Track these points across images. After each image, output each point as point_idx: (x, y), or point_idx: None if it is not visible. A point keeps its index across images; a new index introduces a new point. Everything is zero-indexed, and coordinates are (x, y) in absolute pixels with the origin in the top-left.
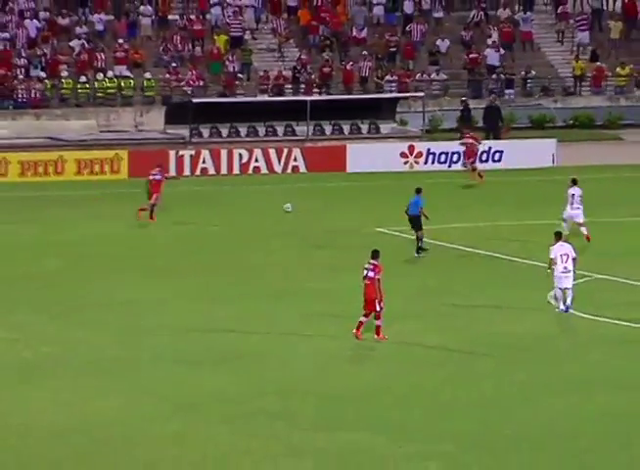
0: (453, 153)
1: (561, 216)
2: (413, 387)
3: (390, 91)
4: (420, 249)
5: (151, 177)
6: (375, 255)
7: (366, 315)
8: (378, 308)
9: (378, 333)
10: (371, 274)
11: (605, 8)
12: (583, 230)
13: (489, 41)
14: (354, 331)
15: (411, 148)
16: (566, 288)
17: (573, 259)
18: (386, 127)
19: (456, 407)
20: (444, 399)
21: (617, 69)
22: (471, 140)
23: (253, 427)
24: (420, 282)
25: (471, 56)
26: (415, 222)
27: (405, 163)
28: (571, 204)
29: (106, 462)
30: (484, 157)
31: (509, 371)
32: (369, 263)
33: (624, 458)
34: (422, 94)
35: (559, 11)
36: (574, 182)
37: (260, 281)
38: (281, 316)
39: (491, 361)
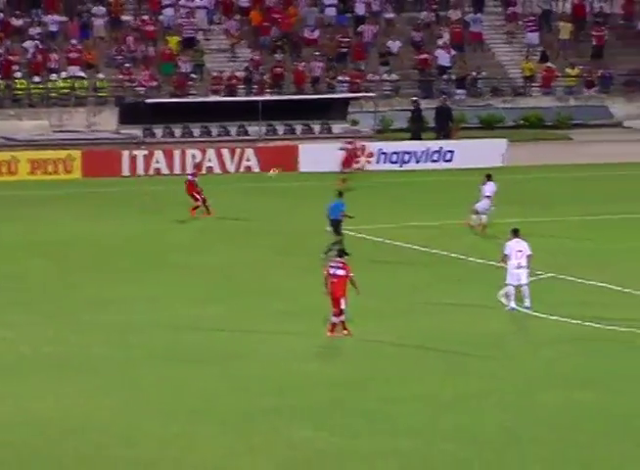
0: (405, 152)
1: (473, 208)
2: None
3: (342, 92)
4: (328, 251)
5: (190, 178)
6: (341, 253)
7: (339, 313)
8: (343, 306)
9: (342, 329)
10: (340, 272)
11: (554, 9)
12: (480, 220)
13: (440, 42)
14: (329, 330)
15: (363, 148)
16: (520, 284)
17: (528, 257)
18: (337, 127)
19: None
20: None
21: (567, 69)
22: (350, 146)
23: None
24: (377, 281)
25: (421, 57)
26: (336, 226)
27: (357, 162)
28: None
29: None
30: (436, 157)
31: (475, 368)
32: (335, 262)
33: (621, 452)
34: (373, 94)
35: (508, 12)
36: (489, 178)
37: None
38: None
39: (447, 359)
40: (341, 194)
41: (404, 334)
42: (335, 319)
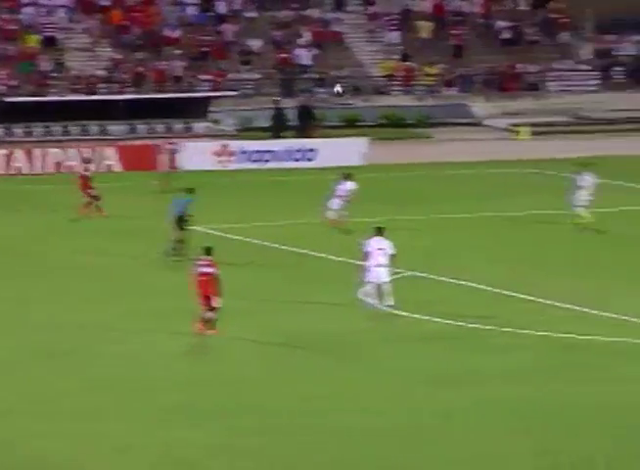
0: (266, 151)
1: (328, 206)
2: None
3: (203, 91)
4: (174, 250)
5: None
6: (208, 251)
7: (205, 311)
8: (214, 304)
9: (209, 327)
10: (208, 270)
11: (414, 8)
12: (337, 218)
13: (301, 41)
14: (199, 327)
15: (224, 147)
16: (381, 283)
17: (391, 256)
18: (199, 126)
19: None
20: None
21: (427, 68)
22: (171, 146)
23: (81, 424)
24: (240, 279)
25: (282, 55)
26: (180, 222)
27: (219, 161)
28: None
29: None
30: (298, 156)
31: (338, 367)
32: (203, 260)
33: (505, 447)
34: (234, 93)
35: (369, 11)
36: (348, 177)
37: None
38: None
39: (311, 357)
40: (191, 190)
41: (268, 333)
42: (206, 315)
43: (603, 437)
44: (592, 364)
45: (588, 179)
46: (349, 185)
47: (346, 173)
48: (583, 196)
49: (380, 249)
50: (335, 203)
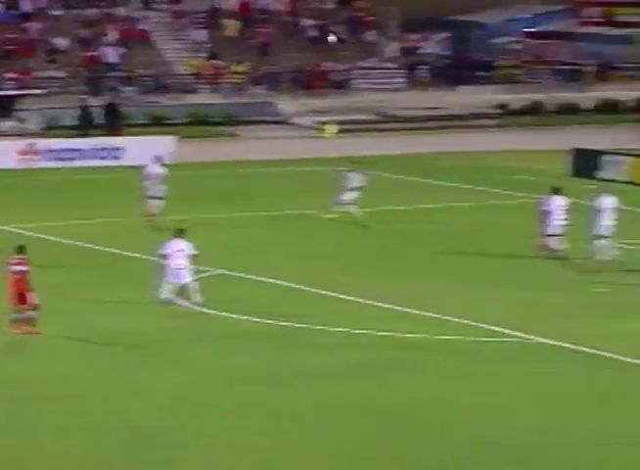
0: (72, 150)
1: (149, 194)
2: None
3: (8, 89)
4: None
5: None
6: (21, 250)
7: (21, 310)
8: (32, 301)
9: (32, 325)
10: (21, 268)
11: (220, 6)
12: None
13: (107, 39)
14: (15, 330)
15: (30, 145)
16: (183, 283)
17: (191, 256)
18: (4, 125)
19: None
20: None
21: (233, 66)
22: None
23: None
24: (49, 278)
25: (89, 54)
26: None
27: (24, 160)
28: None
29: None
30: (104, 154)
31: (147, 365)
32: (15, 258)
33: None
34: (40, 92)
35: (175, 9)
36: (158, 160)
37: None
38: None
39: (126, 355)
40: None
41: (81, 331)
42: (28, 314)
43: (455, 439)
44: (430, 363)
45: (358, 177)
46: (158, 169)
47: (158, 156)
48: (351, 194)
49: (179, 250)
50: (151, 188)
